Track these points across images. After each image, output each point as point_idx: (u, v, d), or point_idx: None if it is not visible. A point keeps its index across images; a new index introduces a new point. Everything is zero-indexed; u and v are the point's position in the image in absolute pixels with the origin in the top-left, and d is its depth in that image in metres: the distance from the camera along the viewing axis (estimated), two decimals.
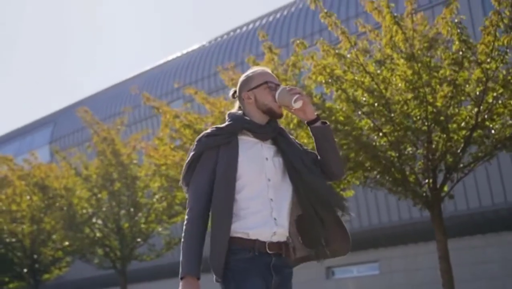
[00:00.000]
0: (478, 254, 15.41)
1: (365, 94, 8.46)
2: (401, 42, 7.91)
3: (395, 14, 7.93)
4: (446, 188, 9.39)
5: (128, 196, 14.01)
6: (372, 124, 8.49)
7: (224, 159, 2.85)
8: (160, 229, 15.02)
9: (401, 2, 9.04)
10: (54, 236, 16.00)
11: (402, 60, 7.92)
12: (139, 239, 14.57)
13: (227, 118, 3.00)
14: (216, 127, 2.93)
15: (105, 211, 14.25)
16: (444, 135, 8.31)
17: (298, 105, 2.84)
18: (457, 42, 7.89)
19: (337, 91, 8.32)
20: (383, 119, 8.43)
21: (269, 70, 3.04)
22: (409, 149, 8.74)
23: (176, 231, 14.94)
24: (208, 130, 2.93)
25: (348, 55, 8.38)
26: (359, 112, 8.51)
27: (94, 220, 14.48)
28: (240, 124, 2.93)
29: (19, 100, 75.21)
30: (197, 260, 2.76)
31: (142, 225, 14.29)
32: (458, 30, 7.78)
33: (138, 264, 16.49)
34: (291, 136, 3.03)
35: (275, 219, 2.83)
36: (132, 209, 14.12)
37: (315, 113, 2.95)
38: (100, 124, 14.18)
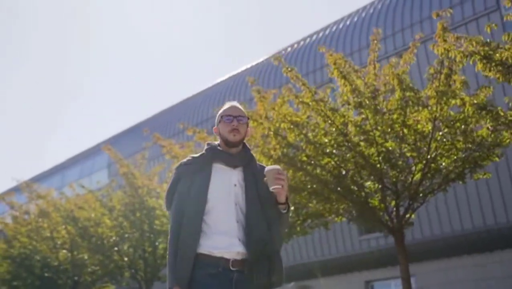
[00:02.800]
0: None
1: (327, 137, 9.35)
2: (349, 93, 8.78)
3: (342, 70, 8.78)
4: (414, 216, 10.19)
5: (148, 224, 15.15)
6: (333, 162, 9.36)
7: (197, 184, 3.10)
8: None
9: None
10: (88, 261, 17.31)
11: (344, 108, 8.81)
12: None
13: (204, 147, 3.29)
14: (191, 157, 3.23)
15: (128, 237, 15.41)
16: (395, 172, 9.10)
17: (274, 190, 3.05)
18: (398, 91, 8.72)
19: (299, 135, 9.22)
20: (341, 158, 9.30)
21: (233, 104, 3.27)
22: (369, 183, 9.56)
23: None
24: (185, 159, 3.23)
25: (310, 103, 9.30)
26: (322, 152, 9.37)
27: (121, 246, 15.65)
28: (212, 154, 3.19)
29: (82, 126, 78.53)
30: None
31: (162, 250, 15.40)
32: (398, 81, 8.63)
33: (161, 284, 17.60)
34: (259, 166, 3.27)
35: (239, 240, 3.04)
36: (152, 236, 15.27)
37: (284, 200, 3.11)
38: (121, 160, 15.43)
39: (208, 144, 3.27)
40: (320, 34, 19.96)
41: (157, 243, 15.47)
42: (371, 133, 8.89)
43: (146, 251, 15.58)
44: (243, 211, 3.09)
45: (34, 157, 77.23)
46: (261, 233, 3.04)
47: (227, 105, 3.28)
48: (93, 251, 15.73)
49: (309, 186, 9.72)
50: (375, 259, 18.29)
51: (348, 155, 9.13)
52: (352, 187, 9.51)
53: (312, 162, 9.43)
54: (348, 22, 18.89)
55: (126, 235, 15.30)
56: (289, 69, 9.29)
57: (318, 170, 9.45)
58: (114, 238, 15.47)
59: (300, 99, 9.35)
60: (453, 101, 8.27)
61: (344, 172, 9.45)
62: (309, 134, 9.26)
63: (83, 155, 33.48)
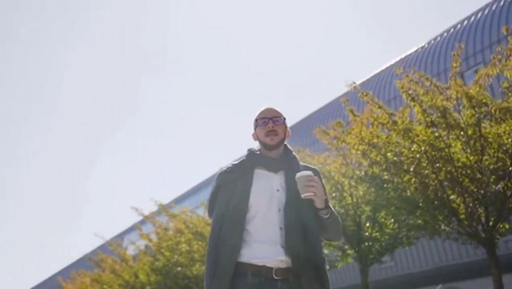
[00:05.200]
0: None
1: (409, 154, 9.54)
2: (419, 113, 8.97)
3: (410, 92, 8.97)
4: (507, 226, 10.03)
5: None
6: (414, 179, 9.53)
7: (239, 191, 2.95)
8: None
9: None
10: None
11: (421, 127, 8.99)
12: None
13: (246, 153, 3.13)
14: (232, 164, 3.09)
15: None
16: (473, 186, 9.08)
17: (305, 197, 2.85)
18: (468, 109, 8.76)
19: (376, 156, 9.53)
20: (422, 174, 9.45)
21: (268, 106, 3.12)
22: (452, 196, 9.60)
23: None
24: (225, 167, 3.10)
25: (387, 124, 9.56)
26: (403, 170, 9.59)
27: None
28: (252, 160, 3.05)
29: (226, 140, 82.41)
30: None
31: None
32: (467, 98, 8.68)
33: None
34: (304, 166, 3.09)
35: (282, 247, 2.85)
36: None
37: (322, 205, 2.90)
38: None
39: (248, 150, 3.14)
40: (421, 50, 19.89)
41: None
42: (446, 150, 8.99)
43: None
44: (287, 216, 2.90)
45: (183, 176, 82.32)
46: (303, 240, 2.86)
47: (262, 108, 3.14)
48: None
49: (395, 202, 9.98)
50: None
51: (426, 172, 9.28)
52: (435, 202, 9.61)
53: (394, 180, 9.69)
54: (439, 39, 18.66)
55: None
56: (364, 93, 9.64)
57: (400, 186, 9.67)
58: None
59: (379, 121, 9.67)
60: None
61: (428, 187, 9.57)
62: (388, 154, 9.54)
63: None
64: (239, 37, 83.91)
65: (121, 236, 29.59)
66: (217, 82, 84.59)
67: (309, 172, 2.87)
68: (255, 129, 3.12)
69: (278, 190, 2.97)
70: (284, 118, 3.10)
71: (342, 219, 12.47)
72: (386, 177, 9.67)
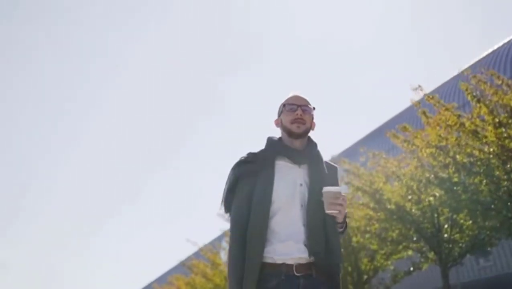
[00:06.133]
0: None
1: (480, 155, 9.41)
2: (487, 114, 8.86)
3: (475, 94, 8.89)
4: None
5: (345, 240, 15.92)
6: (485, 181, 9.39)
7: (261, 186, 2.72)
8: (389, 263, 16.50)
9: None
10: None
11: (490, 127, 8.87)
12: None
13: (266, 142, 2.89)
14: (250, 153, 2.84)
15: None
16: None
17: (330, 214, 2.71)
18: None
19: (445, 159, 9.48)
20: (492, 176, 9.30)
21: (296, 93, 2.91)
22: None
23: (401, 266, 16.42)
24: (243, 157, 2.84)
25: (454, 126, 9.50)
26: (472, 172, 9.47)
27: None
28: (274, 150, 2.81)
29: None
30: (240, 283, 2.68)
31: (364, 265, 16.08)
32: None
33: None
34: (327, 164, 2.90)
35: (305, 245, 2.70)
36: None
37: (341, 220, 2.77)
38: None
39: (268, 138, 2.91)
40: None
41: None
42: None
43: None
44: (310, 212, 2.73)
45: None
46: (324, 238, 2.71)
47: (290, 94, 2.91)
48: None
49: (467, 204, 9.87)
50: None
51: (497, 172, 9.14)
52: (508, 203, 9.44)
53: (466, 182, 9.60)
54: None
55: None
56: (430, 97, 9.64)
57: (472, 189, 9.57)
58: None
59: (447, 123, 9.63)
60: None
61: (500, 189, 9.42)
62: (458, 156, 9.48)
63: None
64: (326, 39, 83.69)
65: (213, 242, 30.36)
66: (301, 83, 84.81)
67: (338, 188, 2.69)
68: (279, 115, 2.91)
69: (301, 185, 2.77)
70: (314, 108, 2.90)
71: (419, 222, 12.38)
72: (456, 179, 9.59)
